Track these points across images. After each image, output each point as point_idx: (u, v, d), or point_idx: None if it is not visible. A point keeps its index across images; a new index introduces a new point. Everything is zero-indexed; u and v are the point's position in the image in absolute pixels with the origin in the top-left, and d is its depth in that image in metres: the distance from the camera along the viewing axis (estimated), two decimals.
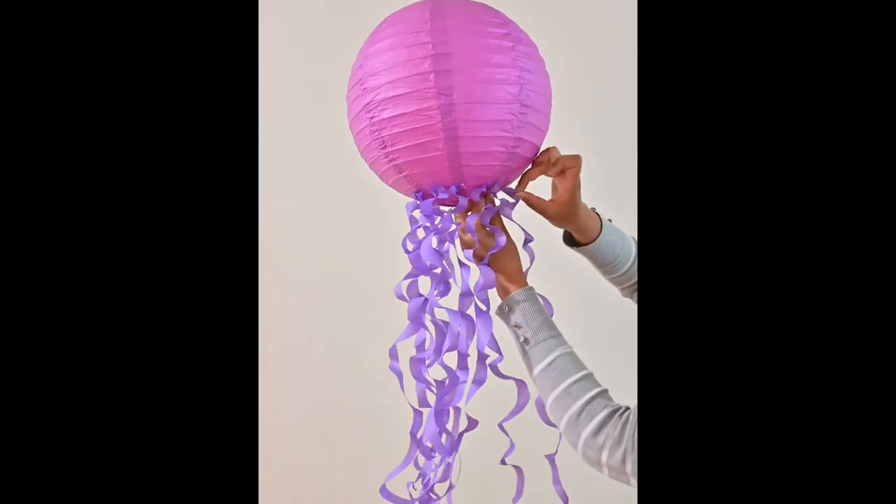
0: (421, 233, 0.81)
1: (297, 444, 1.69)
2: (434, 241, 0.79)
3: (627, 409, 0.70)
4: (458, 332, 0.78)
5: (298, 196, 1.70)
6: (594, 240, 0.86)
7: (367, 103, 0.76)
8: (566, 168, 0.81)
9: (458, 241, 0.84)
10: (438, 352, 0.81)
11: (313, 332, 1.70)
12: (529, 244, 0.88)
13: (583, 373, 0.74)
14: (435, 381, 0.83)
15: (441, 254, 0.80)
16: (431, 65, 0.73)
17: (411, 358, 0.82)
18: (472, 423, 0.85)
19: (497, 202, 0.84)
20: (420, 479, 0.86)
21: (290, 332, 1.70)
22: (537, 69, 0.79)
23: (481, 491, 1.47)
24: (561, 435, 0.83)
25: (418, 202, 0.81)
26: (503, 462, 0.89)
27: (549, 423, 0.83)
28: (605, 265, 0.88)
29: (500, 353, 0.79)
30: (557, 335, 0.77)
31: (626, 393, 0.78)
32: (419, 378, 0.82)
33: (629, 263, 0.88)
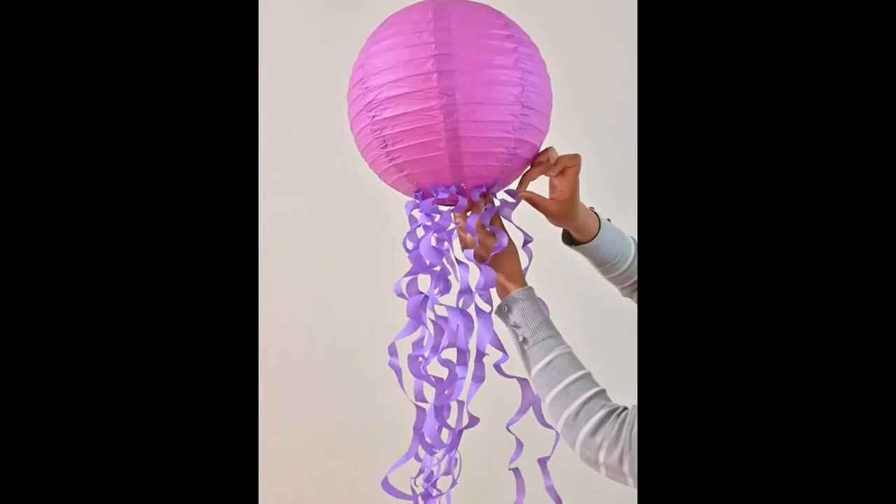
0: (421, 232, 0.81)
1: (297, 444, 1.69)
2: (433, 240, 0.79)
3: (625, 409, 0.71)
4: (457, 330, 0.78)
5: (298, 196, 1.70)
6: (593, 238, 0.86)
7: (369, 102, 0.76)
8: (566, 167, 0.81)
9: (456, 241, 0.84)
10: (437, 349, 0.81)
11: (313, 332, 1.70)
12: (528, 244, 0.88)
13: (581, 373, 0.74)
14: (435, 378, 0.83)
15: (441, 252, 0.80)
16: (434, 65, 0.73)
17: (409, 355, 0.83)
18: (473, 420, 0.85)
19: (497, 202, 0.84)
20: (420, 474, 0.86)
21: (290, 332, 1.70)
22: (539, 71, 0.79)
23: (481, 491, 1.47)
24: (557, 437, 0.84)
25: (418, 201, 0.81)
26: (514, 468, 0.89)
27: (545, 424, 0.83)
28: (604, 264, 0.88)
29: (506, 353, 0.80)
30: (556, 335, 0.77)
31: (626, 393, 0.78)
32: (417, 374, 0.82)
33: (628, 262, 0.88)
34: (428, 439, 0.81)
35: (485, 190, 0.81)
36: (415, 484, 0.87)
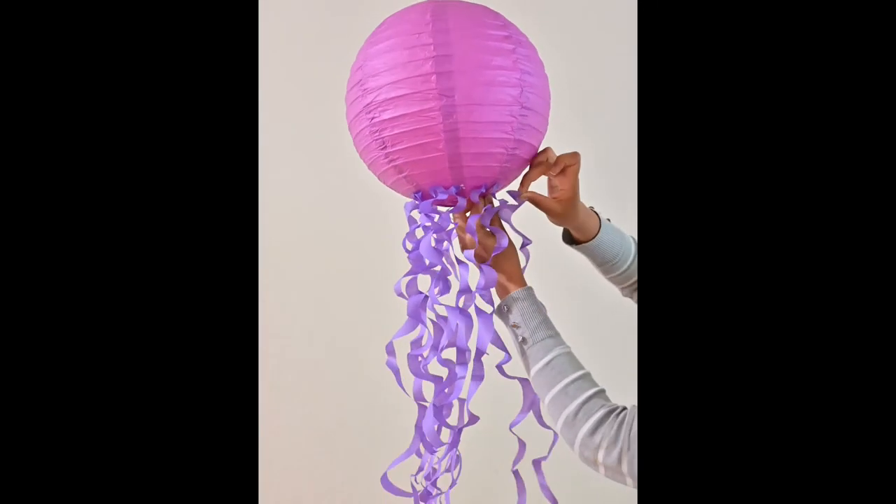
0: (420, 232, 0.81)
1: (297, 444, 1.69)
2: (433, 240, 0.79)
3: (624, 409, 0.71)
4: (456, 330, 0.78)
5: (298, 196, 1.70)
6: (593, 238, 0.86)
7: (368, 104, 0.76)
8: (567, 166, 0.81)
9: (456, 241, 0.84)
10: (436, 348, 0.81)
11: (313, 332, 1.70)
12: (526, 246, 0.88)
13: (580, 372, 0.74)
14: (434, 376, 0.83)
15: (440, 252, 0.80)
16: (433, 66, 0.73)
17: (408, 354, 0.83)
18: (473, 419, 0.85)
19: (496, 203, 0.84)
20: (420, 471, 0.86)
21: (290, 332, 1.70)
22: (537, 71, 0.79)
23: (481, 491, 1.47)
24: (555, 438, 0.84)
25: (417, 202, 0.81)
26: (515, 469, 0.89)
27: (545, 425, 0.83)
28: (604, 263, 0.89)
29: (508, 353, 0.80)
30: (555, 335, 0.77)
31: (626, 393, 0.78)
32: (417, 373, 0.82)
33: (628, 262, 0.89)
34: (427, 437, 0.81)
35: (484, 191, 0.81)
36: (415, 481, 0.87)
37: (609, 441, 0.68)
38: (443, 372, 0.84)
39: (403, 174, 0.79)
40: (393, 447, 0.88)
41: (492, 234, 0.82)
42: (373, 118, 0.76)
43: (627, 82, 1.42)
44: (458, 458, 0.87)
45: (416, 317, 0.81)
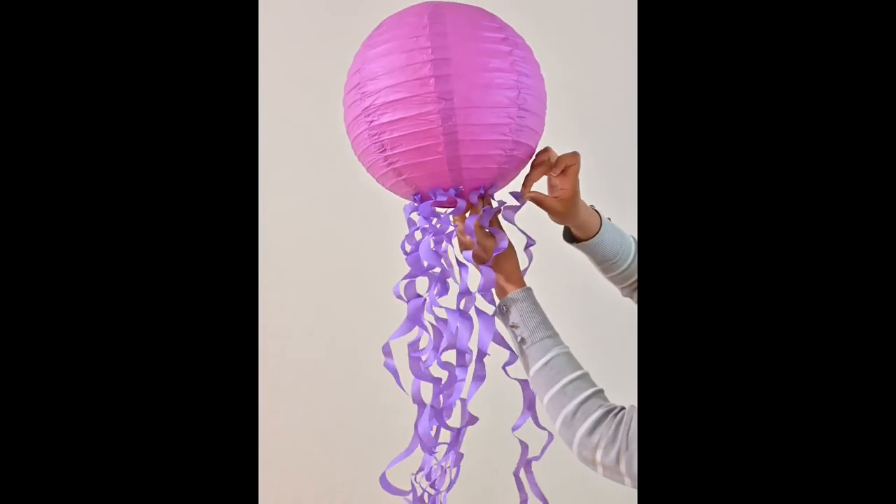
0: (419, 234, 0.81)
1: (297, 444, 1.69)
2: (431, 243, 0.79)
3: (622, 409, 0.71)
4: (456, 332, 0.78)
5: (298, 196, 1.70)
6: (594, 236, 0.87)
7: (367, 107, 0.76)
8: (567, 166, 0.81)
9: (455, 242, 0.84)
10: (436, 350, 0.81)
11: (313, 332, 1.70)
12: (530, 247, 0.88)
13: (578, 373, 0.75)
14: (434, 377, 0.83)
15: (439, 254, 0.80)
16: (431, 69, 0.73)
17: (409, 356, 0.83)
18: (472, 419, 0.85)
19: (494, 204, 0.84)
20: (420, 471, 0.86)
21: (290, 332, 1.70)
22: (534, 73, 0.79)
23: (481, 491, 1.47)
24: (549, 438, 0.84)
25: (416, 204, 0.81)
26: (516, 472, 0.89)
27: (541, 426, 0.83)
28: (604, 262, 0.89)
29: (513, 353, 0.80)
30: (554, 335, 0.78)
31: (626, 393, 0.78)
32: (418, 374, 0.82)
33: (629, 261, 0.89)
34: (424, 439, 0.81)
35: (482, 192, 0.81)
36: (415, 480, 0.87)
37: (607, 441, 0.69)
38: (443, 374, 0.84)
39: (403, 177, 0.79)
40: (393, 447, 0.89)
41: (491, 234, 0.82)
42: (371, 121, 0.76)
43: (626, 83, 1.42)
44: (460, 458, 0.87)
45: (414, 319, 0.81)
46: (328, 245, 1.69)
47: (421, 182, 0.79)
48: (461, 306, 0.81)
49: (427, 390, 0.85)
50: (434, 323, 0.83)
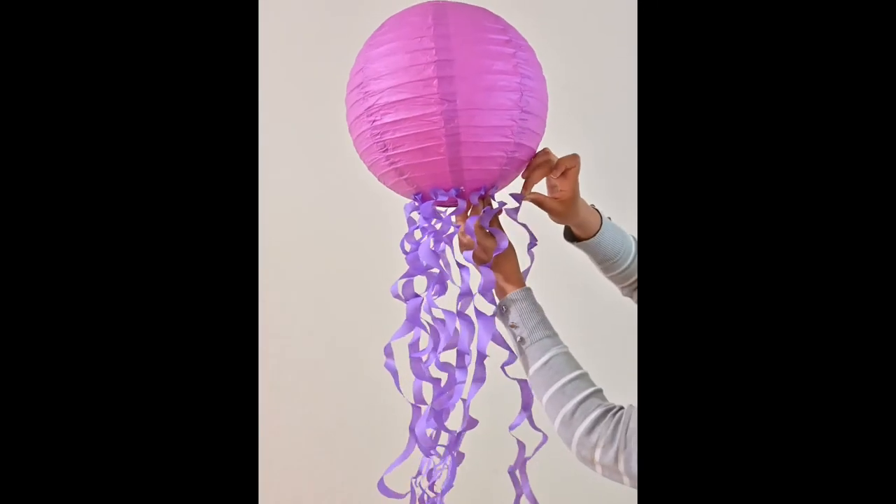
0: (419, 234, 0.81)
1: (297, 444, 1.69)
2: (431, 243, 0.80)
3: (621, 408, 0.71)
4: (454, 332, 0.79)
5: (298, 196, 1.70)
6: (594, 235, 0.87)
7: (369, 107, 0.76)
8: (567, 169, 0.81)
9: (455, 242, 0.84)
10: (435, 351, 0.81)
11: (313, 332, 1.70)
12: (533, 247, 0.88)
13: (577, 372, 0.75)
14: (434, 378, 0.83)
15: (438, 254, 0.80)
16: (435, 71, 0.73)
17: (410, 356, 0.83)
18: (472, 423, 0.85)
19: (495, 205, 0.84)
20: (420, 475, 0.86)
21: (290, 332, 1.70)
22: (536, 75, 0.79)
23: (480, 492, 1.47)
24: (542, 440, 0.84)
25: (417, 204, 0.81)
26: (512, 470, 0.89)
27: (536, 427, 0.83)
28: (604, 261, 0.89)
29: (512, 353, 0.80)
30: (553, 335, 0.78)
31: (626, 392, 0.78)
32: (419, 375, 0.82)
33: (629, 261, 0.89)
34: (421, 441, 0.81)
35: (483, 192, 0.82)
36: (416, 484, 0.87)
37: (606, 440, 0.69)
38: (442, 375, 0.84)
39: (404, 176, 0.79)
40: (393, 447, 0.89)
41: (491, 235, 0.82)
42: (374, 121, 0.76)
43: (627, 84, 1.42)
44: (459, 459, 0.87)
45: (414, 319, 0.81)
46: (328, 245, 1.69)
47: (422, 182, 0.79)
48: (460, 307, 0.81)
49: (427, 392, 0.85)
50: (432, 323, 0.83)
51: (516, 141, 0.77)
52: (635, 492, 0.66)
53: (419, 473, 0.87)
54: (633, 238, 0.92)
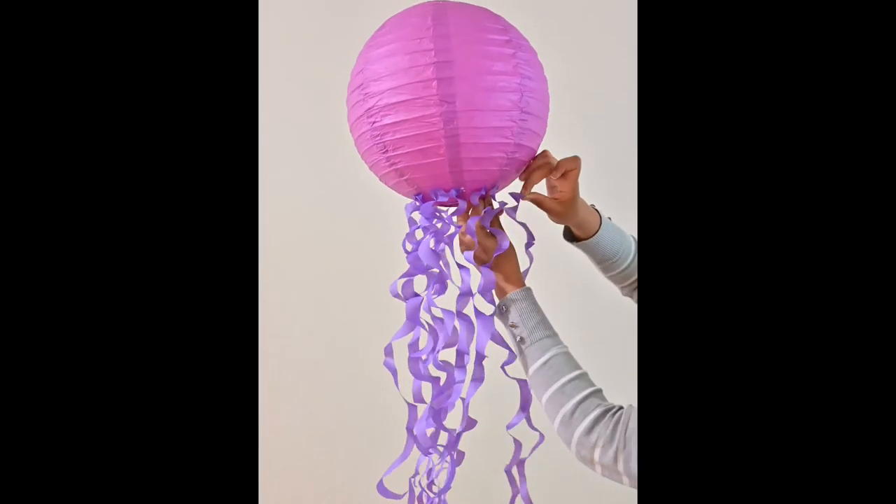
0: (420, 233, 0.81)
1: (297, 444, 1.69)
2: (432, 243, 0.80)
3: (620, 408, 0.71)
4: (452, 332, 0.79)
5: (298, 196, 1.70)
6: (593, 235, 0.87)
7: (369, 108, 0.77)
8: (568, 171, 0.82)
9: (455, 243, 0.84)
10: (434, 351, 0.82)
11: (313, 332, 1.70)
12: (531, 247, 0.89)
13: (577, 372, 0.75)
14: (433, 377, 0.83)
15: (438, 254, 0.80)
16: (434, 72, 0.73)
17: (409, 356, 0.83)
18: (471, 423, 0.85)
19: (496, 205, 0.84)
20: (417, 474, 0.87)
21: (290, 332, 1.70)
22: (537, 75, 0.79)
23: (479, 492, 1.47)
24: (539, 440, 0.84)
25: (418, 204, 0.81)
26: (508, 469, 0.89)
27: (534, 427, 0.83)
28: (603, 261, 0.90)
29: (512, 352, 0.80)
30: (553, 335, 0.78)
31: (626, 392, 0.78)
32: (417, 375, 0.82)
33: (628, 260, 0.90)
34: (420, 441, 0.81)
35: (483, 193, 0.82)
36: (416, 483, 0.87)
37: (605, 440, 0.69)
38: (441, 375, 0.84)
39: (405, 177, 0.79)
40: (393, 447, 0.89)
41: (492, 235, 0.82)
42: (374, 122, 0.77)
43: (627, 84, 1.42)
44: (460, 459, 0.87)
45: (414, 319, 0.82)
46: (328, 245, 1.69)
47: (422, 183, 0.79)
48: (460, 307, 0.81)
49: (426, 391, 0.85)
50: (431, 323, 0.83)
51: (516, 142, 0.77)
52: (634, 491, 0.66)
53: (416, 473, 0.87)
54: (633, 238, 0.92)
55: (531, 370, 0.77)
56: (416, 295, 0.82)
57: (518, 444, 0.88)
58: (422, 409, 0.83)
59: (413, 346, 0.83)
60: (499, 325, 0.82)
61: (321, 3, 1.71)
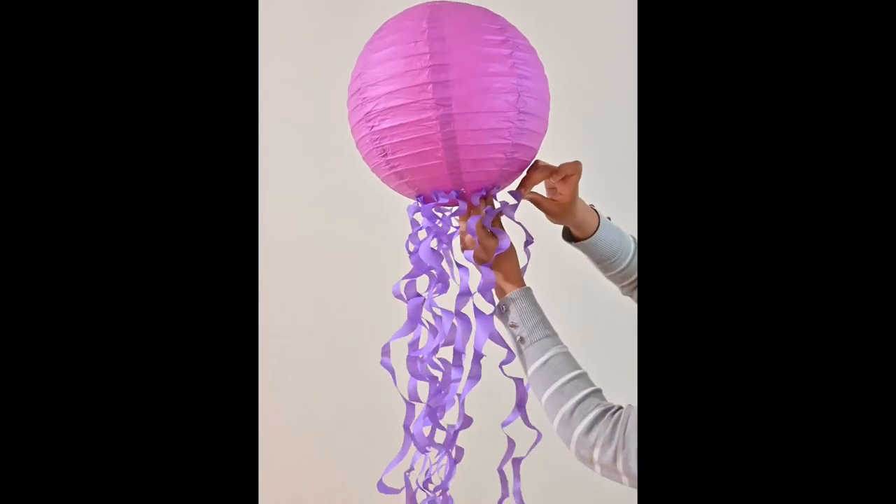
0: (422, 234, 0.81)
1: (297, 444, 1.69)
2: (434, 243, 0.80)
3: (620, 408, 0.72)
4: (450, 331, 0.79)
5: (298, 196, 1.70)
6: (591, 235, 0.87)
7: (368, 112, 0.77)
8: (568, 176, 0.82)
9: (456, 242, 0.84)
10: (435, 350, 0.82)
11: (313, 332, 1.70)
12: (529, 245, 0.89)
13: (576, 372, 0.75)
14: (430, 376, 0.83)
15: (440, 255, 0.80)
16: (429, 76, 0.73)
17: (408, 356, 0.83)
18: (467, 421, 0.86)
19: (497, 204, 0.84)
20: (412, 470, 0.87)
21: (290, 332, 1.70)
22: (535, 75, 0.79)
23: (478, 492, 1.47)
24: (537, 439, 0.84)
25: (420, 205, 0.82)
26: (501, 468, 0.89)
27: (530, 425, 0.84)
28: (602, 261, 0.90)
29: (511, 351, 0.80)
30: (553, 335, 0.78)
31: (626, 392, 0.78)
32: (415, 374, 0.82)
33: (627, 260, 0.90)
34: (416, 438, 0.81)
35: (484, 193, 0.82)
36: (412, 479, 0.87)
37: (604, 440, 0.69)
38: (438, 374, 0.84)
39: (405, 180, 0.79)
40: (393, 447, 0.89)
41: (493, 234, 0.82)
42: (372, 126, 0.77)
43: (627, 83, 1.42)
44: (459, 455, 0.87)
45: (415, 319, 0.82)
46: (328, 245, 1.69)
47: (423, 185, 0.80)
48: (459, 307, 0.81)
49: (423, 390, 0.85)
50: (433, 322, 0.83)
51: (515, 142, 0.77)
52: (634, 491, 0.66)
53: (411, 469, 0.87)
54: (633, 238, 0.92)
55: (531, 370, 0.77)
56: (419, 295, 0.82)
57: (511, 443, 0.88)
58: (420, 407, 0.83)
59: (413, 345, 0.83)
60: (498, 324, 0.82)
61: (321, 3, 1.71)
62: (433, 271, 0.81)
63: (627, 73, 1.42)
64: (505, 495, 0.89)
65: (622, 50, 1.52)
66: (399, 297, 0.83)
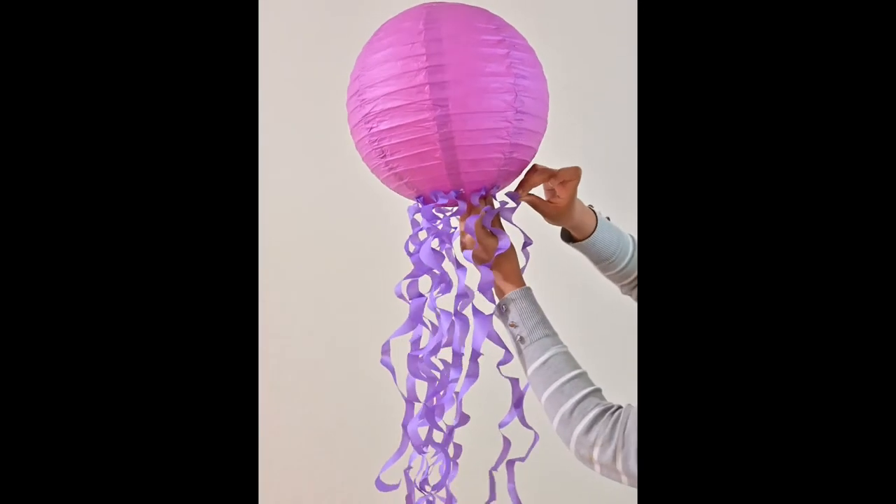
0: (423, 235, 0.82)
1: (297, 444, 1.69)
2: (435, 243, 0.80)
3: (619, 407, 0.72)
4: (448, 331, 0.79)
5: (298, 196, 1.70)
6: (589, 236, 0.87)
7: (366, 114, 0.77)
8: (567, 181, 0.82)
9: (457, 242, 0.84)
10: (434, 350, 0.82)
11: (313, 332, 1.70)
12: (527, 247, 0.89)
13: (576, 372, 0.75)
14: (429, 375, 0.84)
15: (441, 255, 0.81)
16: (426, 77, 0.73)
17: (408, 354, 0.83)
18: (464, 419, 0.86)
19: (496, 204, 0.84)
20: (410, 468, 0.87)
21: (290, 332, 1.70)
22: (533, 74, 0.79)
23: (478, 492, 1.47)
24: (535, 439, 0.84)
25: (420, 206, 0.82)
26: (493, 469, 0.90)
27: (527, 425, 0.84)
28: (601, 261, 0.90)
29: (508, 351, 0.80)
30: (552, 334, 0.78)
31: (626, 392, 0.78)
32: (415, 374, 0.83)
33: (626, 260, 0.90)
34: (413, 438, 0.82)
35: (484, 193, 0.82)
36: (414, 482, 0.87)
37: (604, 439, 0.69)
38: (437, 373, 0.84)
39: (404, 181, 0.80)
40: (393, 447, 0.89)
41: (493, 234, 0.82)
42: (371, 128, 0.77)
43: (627, 83, 1.42)
44: (458, 452, 0.87)
45: (416, 318, 0.82)
46: (328, 245, 1.69)
47: (422, 186, 0.80)
48: (459, 307, 0.81)
49: (421, 389, 0.85)
50: (434, 322, 0.83)
51: (512, 142, 0.77)
52: (633, 491, 0.66)
53: (409, 467, 0.87)
54: (631, 237, 0.92)
55: (531, 369, 0.77)
56: (421, 295, 0.82)
57: (507, 444, 0.88)
58: (418, 407, 0.84)
59: (415, 343, 0.83)
60: (498, 325, 0.82)
61: (321, 3, 1.71)
62: (435, 271, 0.81)
63: (627, 73, 1.42)
64: (493, 498, 0.89)
65: (622, 50, 1.52)
66: (401, 297, 0.83)
